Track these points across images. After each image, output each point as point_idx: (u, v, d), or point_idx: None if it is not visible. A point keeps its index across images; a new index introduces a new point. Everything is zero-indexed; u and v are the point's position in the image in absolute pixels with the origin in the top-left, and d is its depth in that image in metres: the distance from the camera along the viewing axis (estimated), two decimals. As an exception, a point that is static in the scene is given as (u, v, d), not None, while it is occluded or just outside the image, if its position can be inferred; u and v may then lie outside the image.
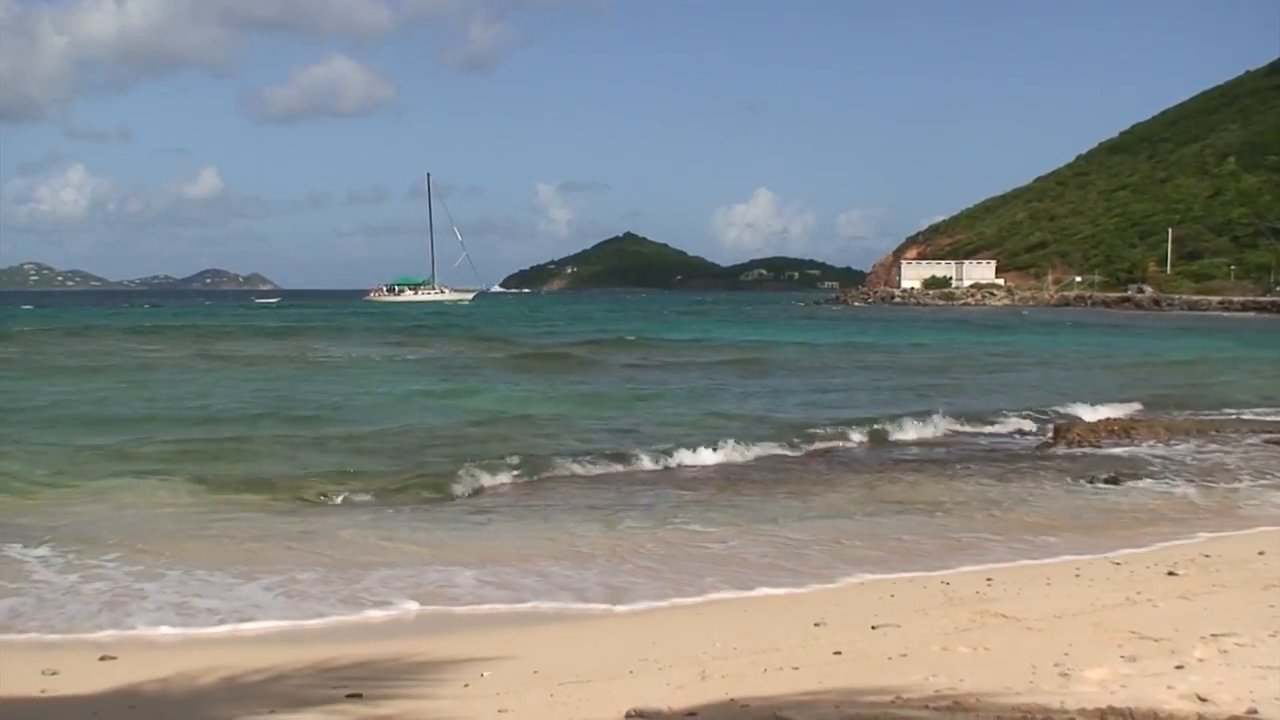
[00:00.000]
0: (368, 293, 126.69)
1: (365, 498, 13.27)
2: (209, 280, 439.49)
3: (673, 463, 15.77)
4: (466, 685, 6.65)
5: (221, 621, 8.29)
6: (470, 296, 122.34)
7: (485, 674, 6.86)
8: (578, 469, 15.12)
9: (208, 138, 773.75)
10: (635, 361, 37.10)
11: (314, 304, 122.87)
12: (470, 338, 51.00)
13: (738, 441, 16.88)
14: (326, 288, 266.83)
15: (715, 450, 16.34)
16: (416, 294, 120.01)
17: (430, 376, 30.10)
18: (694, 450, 16.24)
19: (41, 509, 12.39)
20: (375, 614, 8.60)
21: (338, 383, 27.84)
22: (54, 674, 6.92)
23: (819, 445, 17.60)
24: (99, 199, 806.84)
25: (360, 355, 38.62)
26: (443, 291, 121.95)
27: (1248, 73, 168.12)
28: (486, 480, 14.12)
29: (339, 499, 13.19)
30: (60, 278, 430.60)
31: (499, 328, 63.76)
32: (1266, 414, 22.01)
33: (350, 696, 6.31)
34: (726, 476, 15.09)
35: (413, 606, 8.78)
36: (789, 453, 16.93)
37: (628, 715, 5.73)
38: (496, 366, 34.77)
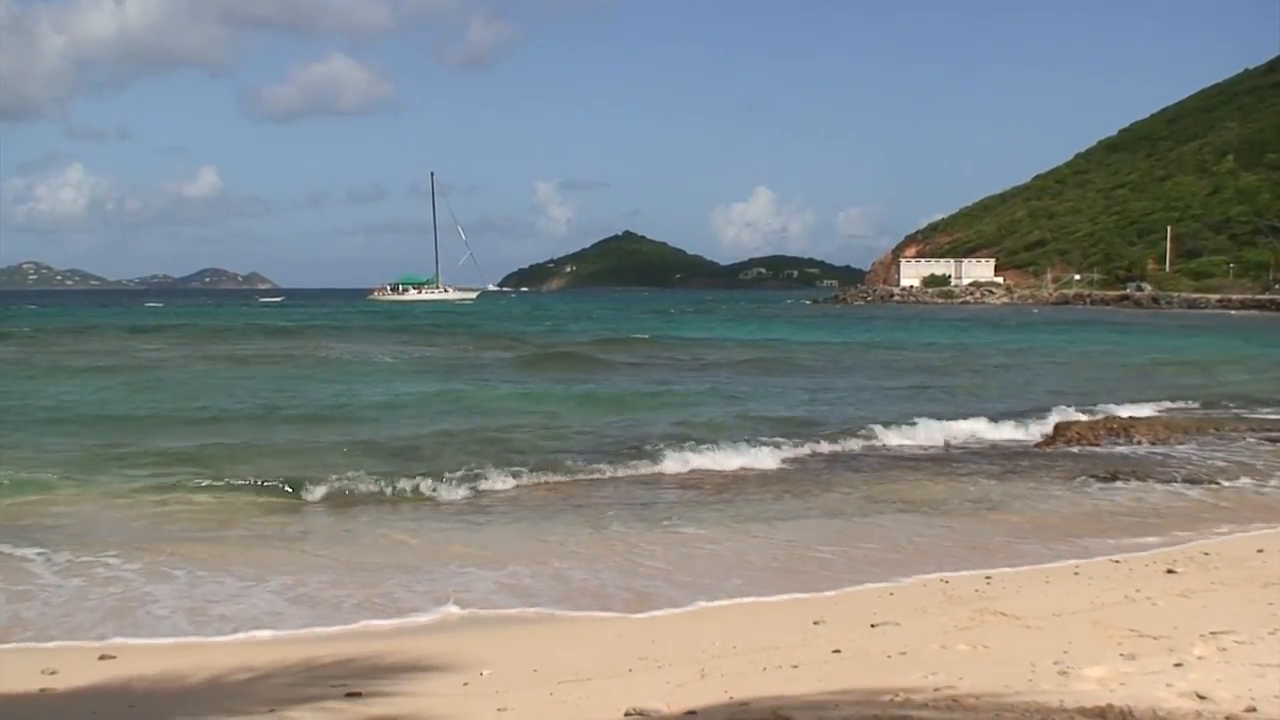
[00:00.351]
0: (371, 291, 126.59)
1: (372, 498, 13.22)
2: (208, 279, 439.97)
3: (685, 465, 15.54)
4: (466, 684, 6.65)
5: (236, 629, 8.16)
6: (474, 295, 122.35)
7: (485, 672, 6.86)
8: (589, 471, 14.91)
9: (207, 137, 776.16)
10: (648, 361, 36.61)
11: (318, 303, 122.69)
12: (480, 337, 50.62)
13: (752, 443, 16.71)
14: (326, 287, 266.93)
15: (729, 452, 16.14)
16: (420, 293, 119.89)
17: (440, 376, 29.86)
18: (706, 452, 16.06)
19: (46, 510, 12.36)
20: (378, 611, 8.59)
21: (345, 382, 27.71)
22: (53, 673, 6.91)
23: (838, 446, 17.38)
24: (98, 198, 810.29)
25: (368, 354, 38.12)
26: (446, 291, 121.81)
27: (1246, 71, 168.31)
28: (496, 481, 14.00)
29: (345, 499, 13.13)
30: (59, 277, 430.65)
31: (507, 326, 63.32)
32: (1269, 413, 22.01)
33: (349, 695, 6.30)
34: (738, 479, 14.94)
35: (417, 606, 8.77)
36: (801, 454, 16.70)
37: (627, 714, 5.72)
38: (508, 366, 34.36)
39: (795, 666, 6.64)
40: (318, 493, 13.30)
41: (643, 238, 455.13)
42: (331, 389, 25.87)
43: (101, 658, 7.31)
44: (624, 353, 39.90)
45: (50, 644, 7.80)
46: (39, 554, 10.18)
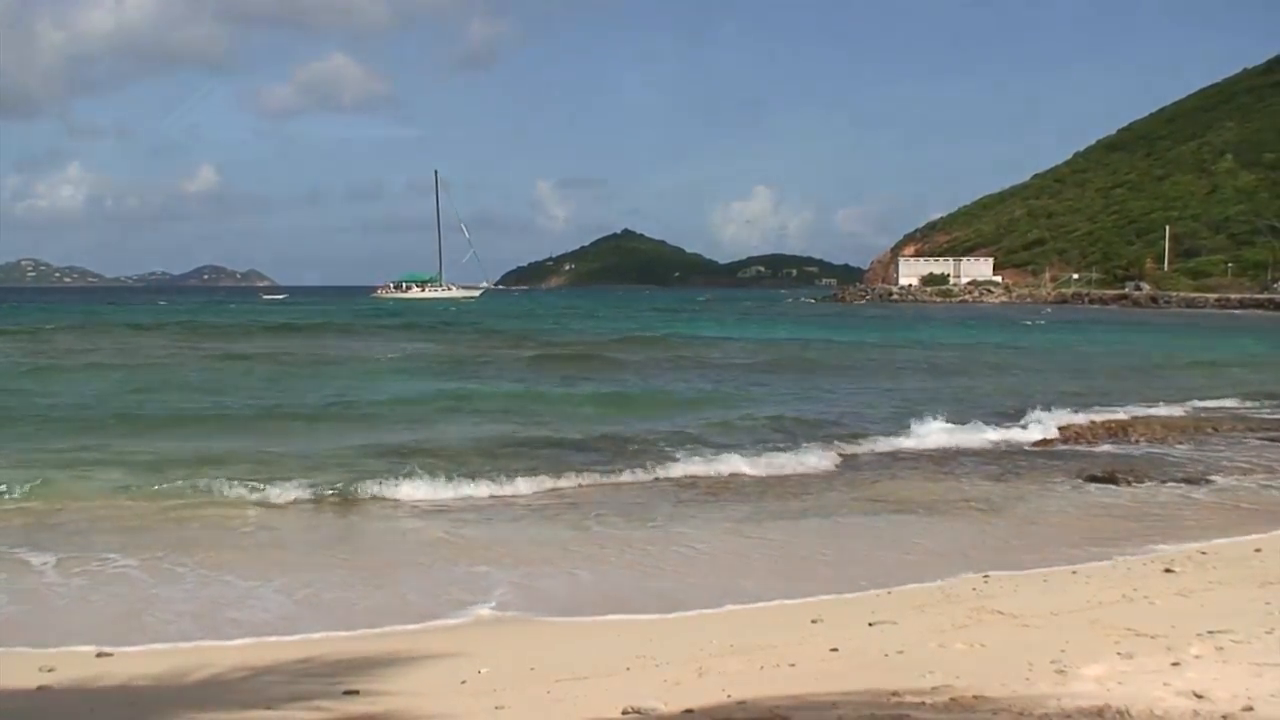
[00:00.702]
0: (374, 289, 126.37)
1: (377, 498, 13.14)
2: (206, 276, 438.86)
3: (690, 467, 15.35)
4: (464, 682, 6.66)
5: (245, 634, 8.05)
6: (478, 293, 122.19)
7: (482, 670, 6.86)
8: (595, 472, 14.76)
9: (206, 134, 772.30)
10: (655, 360, 36.10)
11: (321, 300, 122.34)
12: (486, 335, 50.44)
13: (755, 446, 16.64)
14: (325, 284, 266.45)
15: (734, 455, 15.98)
16: (424, 290, 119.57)
17: (446, 375, 29.71)
18: (711, 454, 15.92)
19: (47, 507, 12.33)
20: (391, 612, 8.57)
21: (351, 380, 27.64)
22: (51, 670, 6.91)
23: (842, 448, 17.25)
24: (96, 195, 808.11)
25: (374, 352, 37.87)
26: (450, 289, 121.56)
27: (1245, 71, 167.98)
28: (504, 482, 13.90)
29: (350, 499, 13.04)
30: (57, 274, 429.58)
31: (513, 325, 62.95)
32: (1268, 413, 22.03)
33: (347, 693, 6.30)
34: (742, 481, 14.84)
35: (428, 607, 8.75)
36: (805, 455, 16.38)
37: (624, 712, 5.72)
38: (515, 364, 34.01)
39: (793, 665, 6.64)
40: (322, 492, 13.20)
41: (642, 236, 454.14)
42: (337, 386, 25.83)
43: (99, 655, 7.30)
44: (631, 351, 39.51)
45: (50, 644, 7.76)
46: (39, 552, 10.17)
